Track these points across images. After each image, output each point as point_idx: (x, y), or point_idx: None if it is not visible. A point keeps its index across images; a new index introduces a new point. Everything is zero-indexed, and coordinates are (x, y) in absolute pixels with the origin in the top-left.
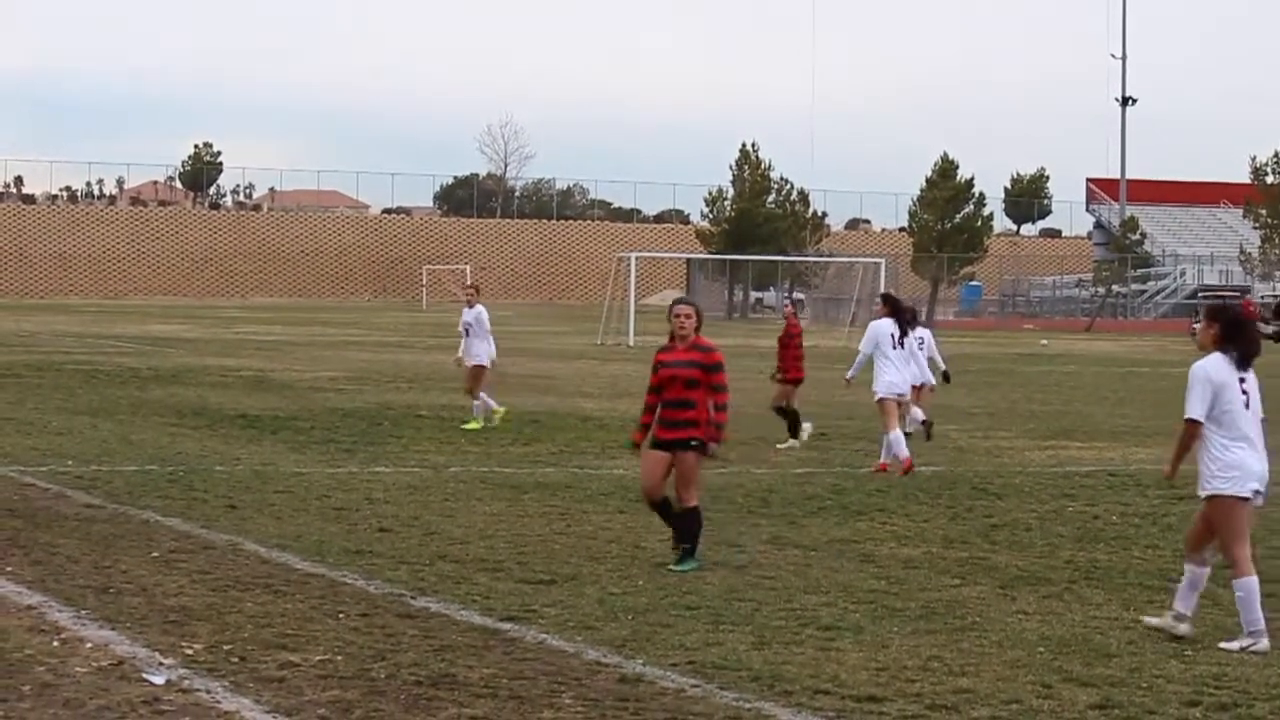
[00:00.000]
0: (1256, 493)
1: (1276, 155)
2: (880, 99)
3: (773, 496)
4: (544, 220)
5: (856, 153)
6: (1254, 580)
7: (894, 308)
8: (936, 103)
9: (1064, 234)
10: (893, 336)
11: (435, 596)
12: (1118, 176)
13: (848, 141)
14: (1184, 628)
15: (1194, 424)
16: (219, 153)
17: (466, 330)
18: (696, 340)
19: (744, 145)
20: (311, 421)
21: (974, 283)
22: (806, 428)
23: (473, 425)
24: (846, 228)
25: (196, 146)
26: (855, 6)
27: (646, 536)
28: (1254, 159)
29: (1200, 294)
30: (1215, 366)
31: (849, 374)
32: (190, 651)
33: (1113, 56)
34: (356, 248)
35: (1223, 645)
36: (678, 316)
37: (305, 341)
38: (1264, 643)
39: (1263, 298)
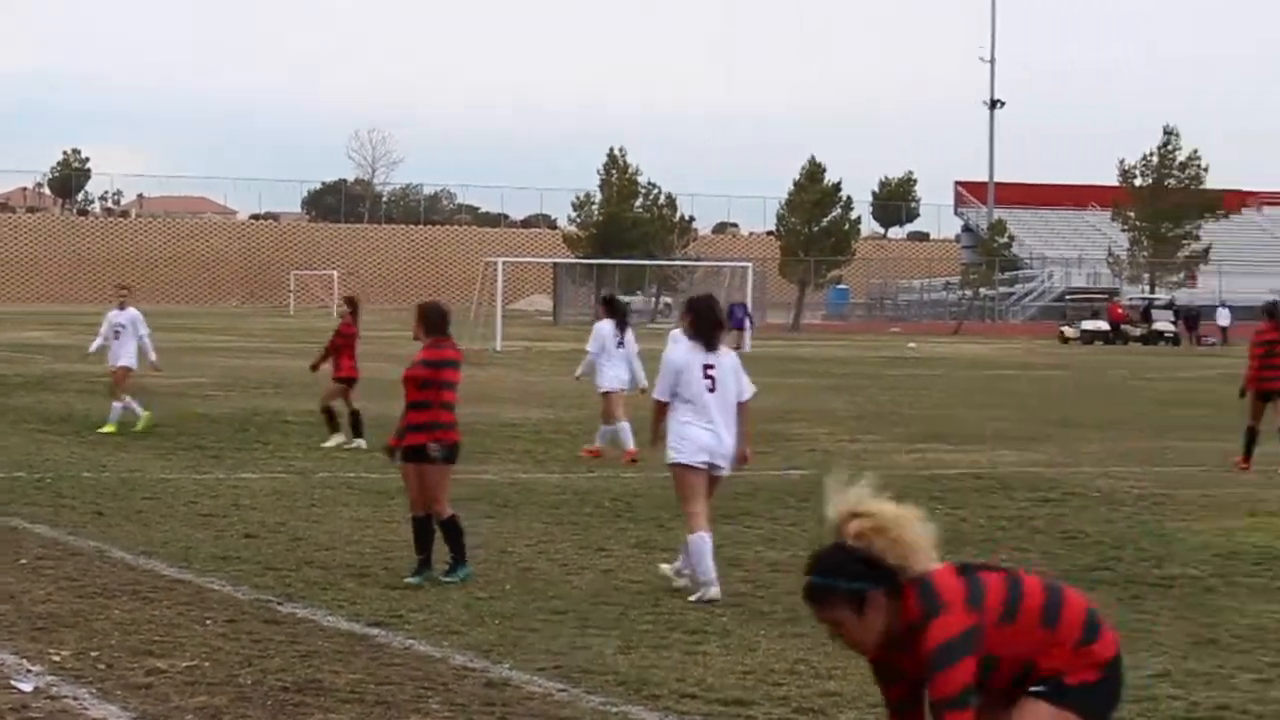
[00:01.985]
0: (708, 464)
1: (1144, 158)
2: (748, 103)
3: (638, 501)
4: (412, 225)
5: (725, 157)
6: (703, 536)
7: (612, 310)
8: (805, 106)
9: (932, 237)
10: (614, 336)
11: (302, 602)
12: (986, 179)
13: (716, 146)
14: (681, 581)
15: (659, 404)
16: (87, 159)
17: (117, 333)
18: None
19: (612, 150)
20: (178, 428)
21: (841, 286)
22: (338, 440)
23: (108, 429)
24: (714, 231)
25: (65, 153)
26: (725, 10)
27: (513, 541)
28: (1122, 162)
29: (1068, 296)
30: (680, 353)
31: (578, 372)
32: (58, 658)
33: (981, 60)
34: (225, 254)
35: (664, 568)
36: None
37: (173, 347)
38: (715, 590)
39: (1130, 300)
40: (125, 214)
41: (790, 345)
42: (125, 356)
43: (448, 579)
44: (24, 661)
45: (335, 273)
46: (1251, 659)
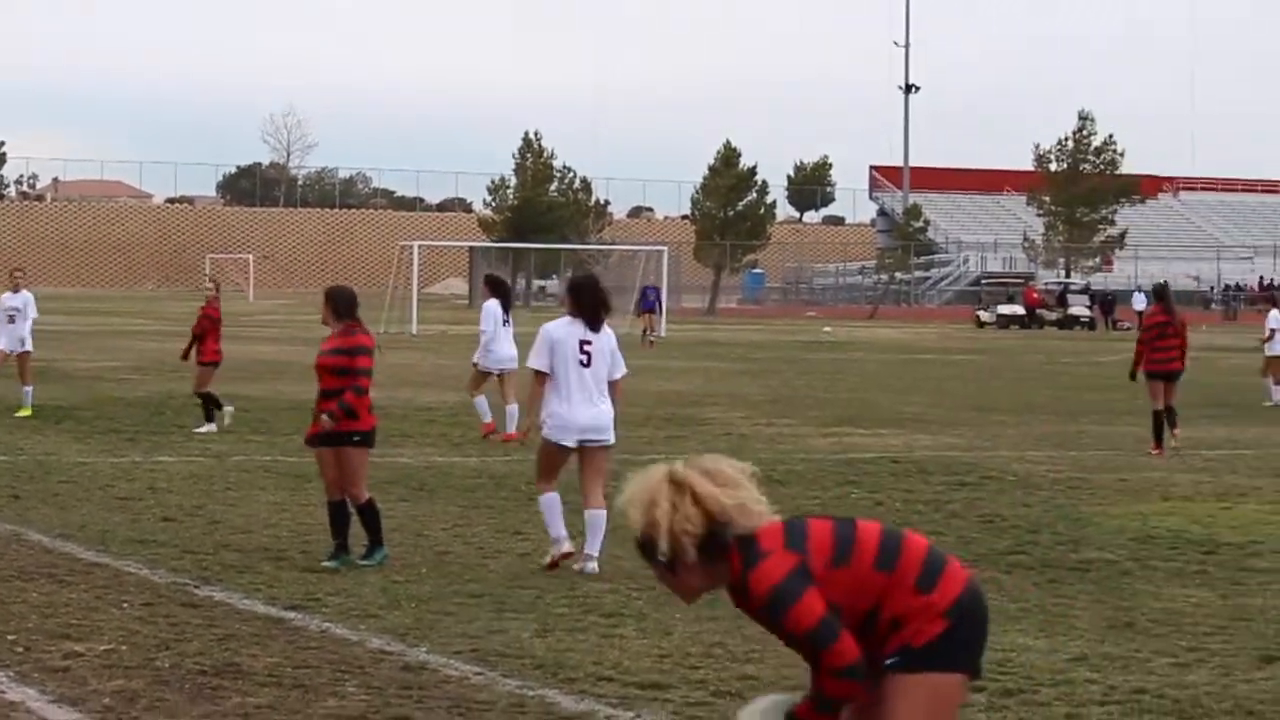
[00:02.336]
0: (580, 441)
1: (1060, 143)
2: (662, 87)
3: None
4: (327, 209)
5: (639, 141)
6: (553, 497)
7: (497, 289)
8: (719, 90)
9: (847, 221)
10: (502, 316)
11: (219, 586)
12: (901, 164)
13: (631, 130)
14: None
15: (537, 374)
16: (2, 142)
17: (11, 316)
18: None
19: (526, 134)
20: (95, 411)
21: (757, 270)
22: (228, 410)
23: (24, 413)
24: (629, 215)
25: None
26: None
27: (429, 525)
28: (1038, 146)
29: (983, 281)
30: (557, 328)
31: (475, 357)
32: None
33: (895, 44)
34: (140, 237)
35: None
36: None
37: (89, 331)
38: (566, 544)
39: (1046, 284)
40: (41, 198)
41: (706, 329)
42: (22, 339)
43: (364, 562)
44: None
45: (251, 256)
46: (1167, 643)
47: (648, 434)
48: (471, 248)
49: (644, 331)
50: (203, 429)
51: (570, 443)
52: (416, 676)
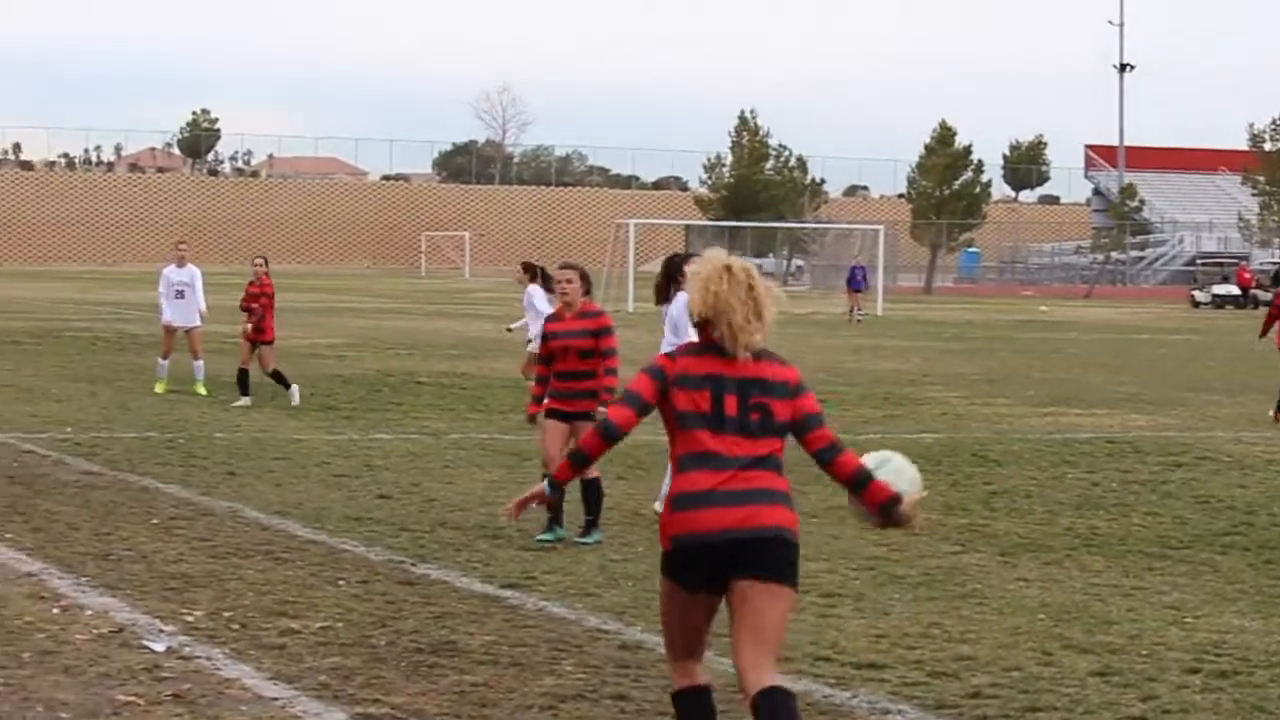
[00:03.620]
0: None
1: (1274, 122)
2: (878, 66)
3: None
4: (542, 187)
5: (855, 120)
6: None
7: (533, 274)
8: (935, 69)
9: (1062, 200)
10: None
11: (436, 563)
12: (1116, 143)
13: (846, 108)
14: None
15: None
16: (217, 119)
17: (180, 292)
18: (585, 307)
19: (742, 112)
20: (311, 388)
21: (973, 249)
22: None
23: (200, 389)
24: (845, 195)
25: (194, 113)
26: None
27: (646, 504)
28: (1252, 126)
29: (1198, 260)
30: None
31: (513, 325)
32: (190, 619)
33: (1110, 23)
34: (355, 214)
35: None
36: (559, 283)
37: (304, 308)
38: None
39: (1260, 264)
40: (255, 175)
41: (922, 308)
42: (192, 316)
43: (581, 540)
44: (156, 622)
45: (466, 234)
46: None
47: (865, 413)
48: (687, 226)
49: (851, 310)
50: (240, 402)
51: None
52: (633, 655)
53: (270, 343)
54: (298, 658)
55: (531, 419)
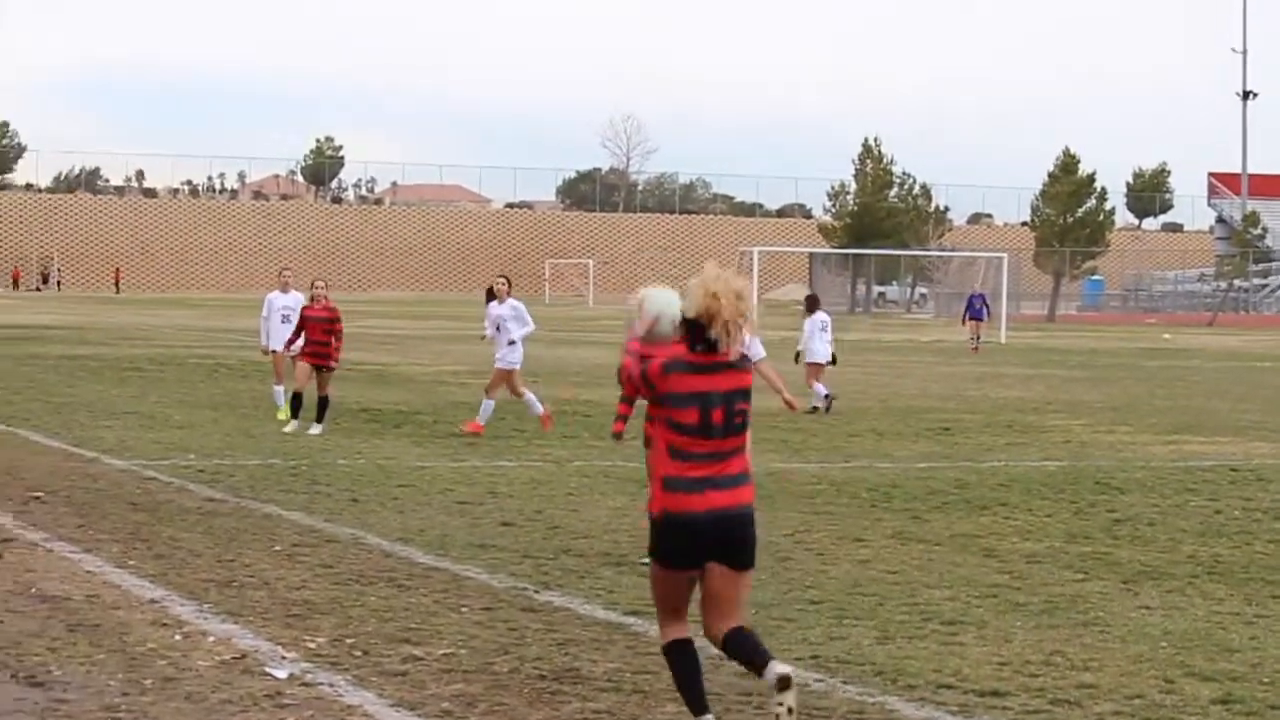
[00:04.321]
0: None
1: None
2: (1002, 94)
3: (895, 491)
4: (667, 215)
5: (978, 148)
6: None
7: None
8: (1059, 97)
9: (1186, 228)
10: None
11: (559, 591)
12: (1239, 171)
13: (971, 136)
14: None
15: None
16: (340, 147)
17: (285, 316)
18: None
19: (866, 139)
20: (434, 415)
21: (1096, 277)
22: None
23: (282, 415)
24: (969, 222)
25: (318, 141)
26: (977, 2)
27: (770, 531)
28: None
29: None
30: None
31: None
32: (313, 645)
33: (1233, 50)
34: (479, 242)
35: None
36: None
37: (427, 335)
38: None
39: None
40: (379, 202)
41: (1045, 336)
42: (276, 339)
43: None
44: (279, 648)
45: (590, 262)
46: None
47: (987, 440)
48: (811, 253)
49: (971, 338)
50: (291, 427)
51: None
52: (755, 682)
53: (333, 370)
54: (420, 684)
55: (618, 437)
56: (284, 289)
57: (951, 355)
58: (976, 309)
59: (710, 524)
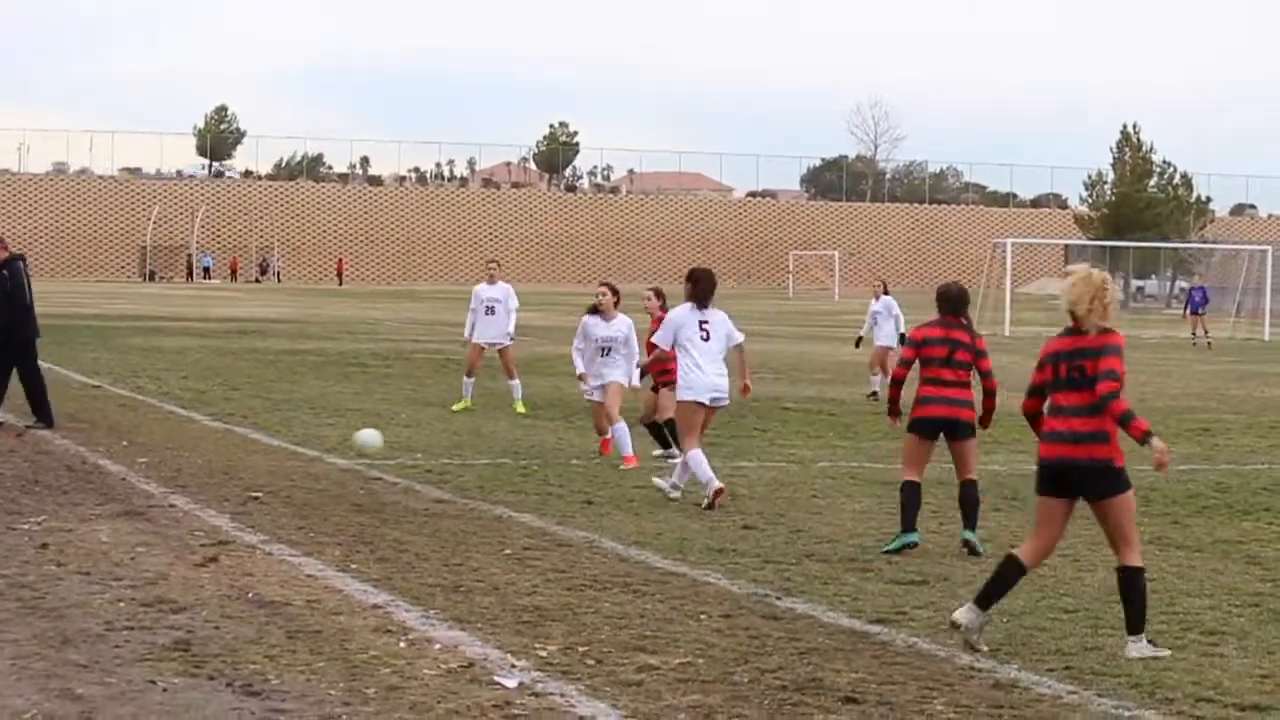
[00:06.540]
0: (712, 399)
1: None
2: (1268, 79)
3: (1155, 495)
4: (916, 204)
5: (1242, 135)
6: (699, 453)
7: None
8: None
9: None
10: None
11: (802, 597)
12: None
13: (1233, 123)
14: (676, 494)
15: (668, 351)
16: (575, 133)
17: (491, 308)
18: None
19: (1125, 127)
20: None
21: None
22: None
23: (521, 408)
24: (1231, 213)
25: (552, 126)
26: None
27: (1020, 535)
28: None
29: None
30: (679, 313)
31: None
32: (544, 653)
33: None
34: (719, 232)
35: (656, 481)
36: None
37: None
38: (716, 482)
39: None
40: (615, 190)
41: None
42: (500, 334)
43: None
44: (508, 656)
45: (835, 253)
46: None
47: (1250, 442)
48: (1066, 246)
49: (1193, 332)
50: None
51: (705, 399)
52: (1007, 695)
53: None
54: (656, 695)
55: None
56: (490, 280)
57: (1214, 352)
58: (1196, 302)
59: (1060, 468)
